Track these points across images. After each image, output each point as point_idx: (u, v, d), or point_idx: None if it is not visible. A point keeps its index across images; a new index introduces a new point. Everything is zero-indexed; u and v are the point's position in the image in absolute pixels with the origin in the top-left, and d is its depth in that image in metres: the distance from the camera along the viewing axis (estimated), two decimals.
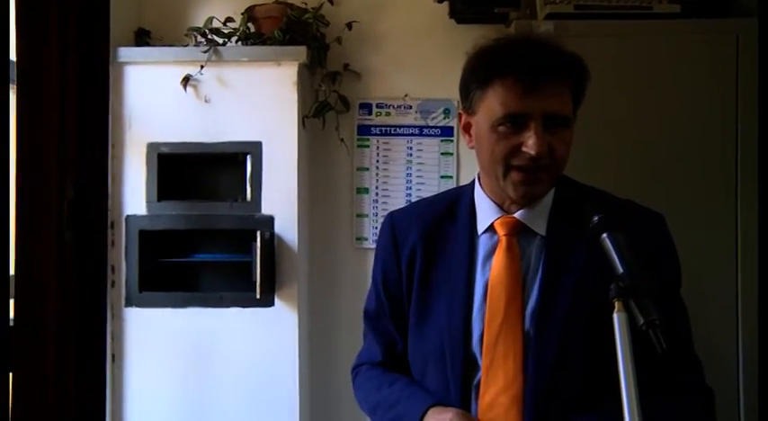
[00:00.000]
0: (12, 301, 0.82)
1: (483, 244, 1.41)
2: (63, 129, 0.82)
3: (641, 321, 1.06)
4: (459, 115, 1.44)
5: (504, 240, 1.39)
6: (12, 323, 0.80)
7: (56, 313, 0.81)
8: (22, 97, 0.81)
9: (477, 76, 1.36)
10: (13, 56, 0.81)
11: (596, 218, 1.21)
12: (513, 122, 1.31)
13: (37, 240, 0.81)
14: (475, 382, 1.35)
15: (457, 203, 1.47)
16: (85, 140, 0.85)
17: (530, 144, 1.29)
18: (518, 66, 1.31)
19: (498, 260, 1.38)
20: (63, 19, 0.82)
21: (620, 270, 1.13)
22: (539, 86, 1.30)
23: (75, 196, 0.83)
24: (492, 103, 1.33)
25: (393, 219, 1.52)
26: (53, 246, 0.81)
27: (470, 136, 1.41)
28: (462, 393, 1.35)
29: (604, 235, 1.19)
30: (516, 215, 1.39)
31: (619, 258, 1.15)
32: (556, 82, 1.32)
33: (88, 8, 0.85)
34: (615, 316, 1.08)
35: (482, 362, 1.34)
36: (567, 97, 1.34)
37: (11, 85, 0.78)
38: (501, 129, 1.32)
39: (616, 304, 1.09)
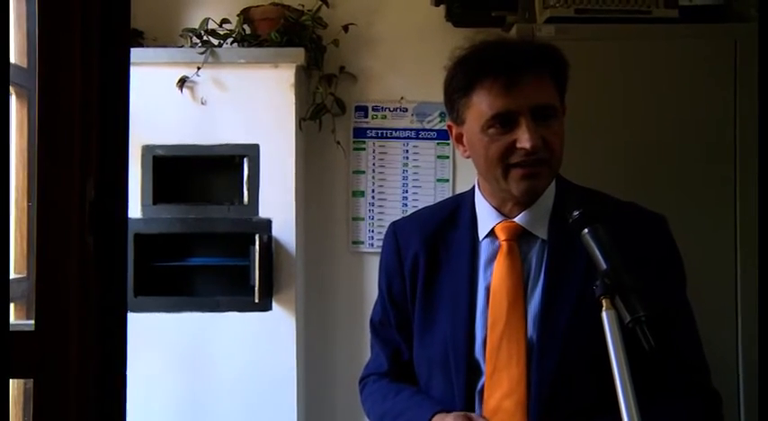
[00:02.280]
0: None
1: (484, 249, 1.41)
2: (85, 128, 0.81)
3: (628, 319, 1.05)
4: (449, 128, 1.44)
5: (504, 245, 1.39)
6: (33, 327, 0.79)
7: (77, 317, 0.80)
8: (43, 97, 0.80)
9: (458, 85, 1.36)
10: (13, 57, 0.79)
11: (576, 213, 1.19)
12: (501, 122, 1.31)
13: (58, 243, 0.79)
14: (479, 388, 1.35)
15: (458, 210, 1.47)
16: (107, 140, 0.84)
17: (523, 139, 1.30)
18: (495, 65, 1.32)
19: (499, 265, 1.38)
20: (85, 19, 0.81)
21: (604, 266, 1.12)
22: (519, 81, 1.30)
23: (96, 197, 0.82)
24: (478, 108, 1.33)
25: (396, 228, 1.52)
26: (75, 249, 0.79)
27: (463, 146, 1.41)
28: (467, 398, 1.35)
29: (585, 230, 1.17)
30: (516, 219, 1.39)
31: (601, 254, 1.14)
32: (535, 74, 1.32)
33: (109, 8, 0.84)
34: (604, 314, 1.07)
35: (485, 368, 1.34)
36: (549, 87, 1.34)
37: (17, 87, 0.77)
38: (491, 131, 1.32)
39: (603, 302, 1.08)
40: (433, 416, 1.33)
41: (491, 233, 1.41)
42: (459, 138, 1.42)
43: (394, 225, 1.54)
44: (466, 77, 1.34)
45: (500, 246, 1.39)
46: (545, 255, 1.37)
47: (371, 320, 1.56)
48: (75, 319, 0.80)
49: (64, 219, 0.79)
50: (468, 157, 1.42)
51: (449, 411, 1.33)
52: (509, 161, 1.32)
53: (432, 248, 1.45)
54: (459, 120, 1.39)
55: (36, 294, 0.79)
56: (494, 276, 1.37)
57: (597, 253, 1.14)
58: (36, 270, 0.79)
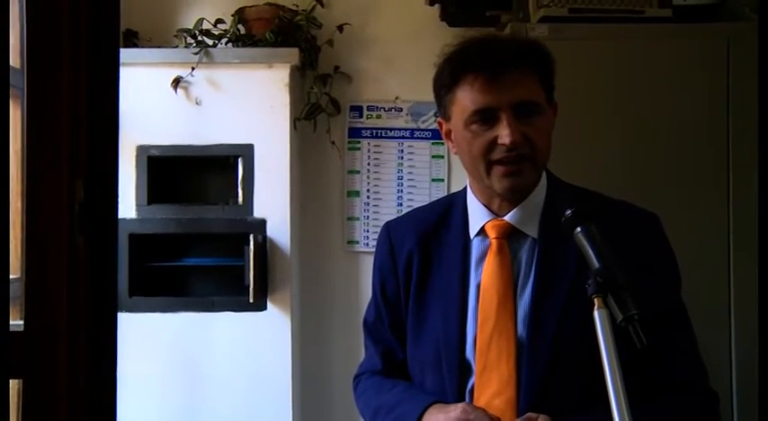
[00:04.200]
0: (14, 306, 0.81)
1: (475, 248, 1.41)
2: (74, 128, 0.81)
3: (620, 317, 1.04)
4: (439, 124, 1.44)
5: (494, 243, 1.38)
6: (22, 328, 0.78)
7: (67, 318, 0.80)
8: (31, 97, 0.80)
9: (444, 81, 1.37)
10: (14, 57, 0.79)
11: (569, 211, 1.19)
12: (483, 118, 1.31)
13: (47, 244, 0.79)
14: (470, 386, 1.35)
15: (451, 209, 1.47)
16: (96, 140, 0.84)
17: (503, 135, 1.30)
18: (478, 61, 1.32)
19: (489, 264, 1.38)
20: (73, 17, 0.81)
21: (597, 265, 1.11)
22: (501, 77, 1.30)
23: (85, 198, 0.81)
24: (461, 104, 1.33)
25: (389, 229, 1.52)
26: (64, 250, 0.79)
27: (452, 142, 1.42)
28: (458, 397, 1.35)
29: (578, 229, 1.17)
30: (506, 218, 1.39)
31: (594, 252, 1.13)
32: (518, 70, 1.32)
33: (98, 7, 0.84)
34: (596, 313, 1.06)
35: (475, 366, 1.34)
36: (534, 84, 1.34)
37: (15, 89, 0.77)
38: (473, 127, 1.32)
39: (595, 301, 1.07)
40: (427, 408, 1.33)
41: (482, 231, 1.41)
42: (448, 135, 1.42)
43: (388, 225, 1.54)
44: (451, 74, 1.35)
45: (490, 244, 1.39)
46: (535, 254, 1.37)
47: (365, 320, 1.55)
48: (64, 320, 0.80)
49: (53, 220, 0.79)
50: (456, 154, 1.43)
51: (444, 402, 1.33)
52: (491, 157, 1.32)
53: (425, 248, 1.45)
54: (446, 117, 1.40)
55: (25, 295, 0.79)
56: (484, 275, 1.37)
57: (590, 251, 1.14)
58: (25, 273, 0.79)
